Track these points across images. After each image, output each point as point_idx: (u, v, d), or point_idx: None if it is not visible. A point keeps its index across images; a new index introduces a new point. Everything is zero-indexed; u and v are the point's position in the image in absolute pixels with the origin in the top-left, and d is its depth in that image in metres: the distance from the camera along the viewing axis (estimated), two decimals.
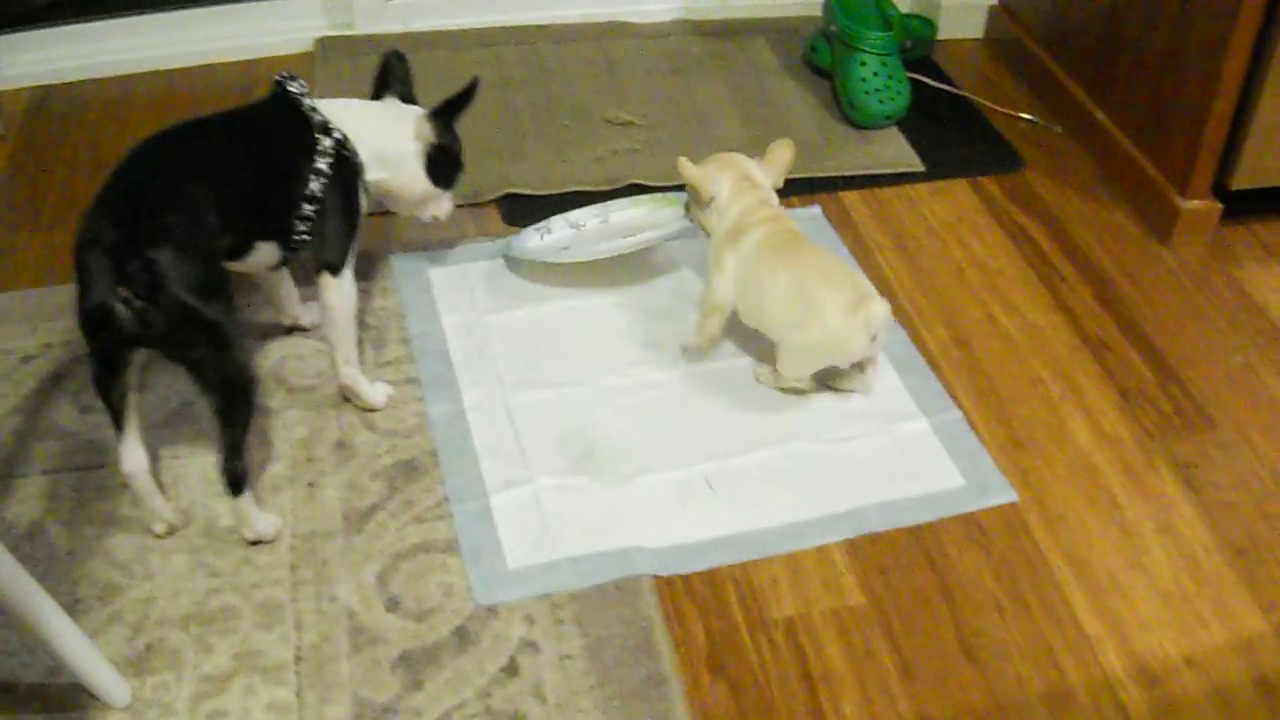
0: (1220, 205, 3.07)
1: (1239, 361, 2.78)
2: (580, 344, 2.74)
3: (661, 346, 2.75)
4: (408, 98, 2.64)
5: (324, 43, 3.75)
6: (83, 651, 1.98)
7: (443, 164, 2.61)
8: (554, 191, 3.17)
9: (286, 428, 2.52)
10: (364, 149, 2.45)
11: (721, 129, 3.43)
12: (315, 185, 2.34)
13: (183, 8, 3.71)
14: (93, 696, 2.02)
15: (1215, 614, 2.27)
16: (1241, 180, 3.01)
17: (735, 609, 2.26)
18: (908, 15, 3.76)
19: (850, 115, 3.44)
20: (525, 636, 2.16)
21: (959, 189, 3.28)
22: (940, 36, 3.87)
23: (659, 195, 3.02)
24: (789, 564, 2.33)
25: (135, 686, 2.04)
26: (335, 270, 2.42)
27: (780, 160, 2.65)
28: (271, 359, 2.67)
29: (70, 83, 3.64)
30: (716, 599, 2.27)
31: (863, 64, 3.42)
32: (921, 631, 2.23)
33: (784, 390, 2.61)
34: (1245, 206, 3.11)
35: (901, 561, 2.35)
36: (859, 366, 2.59)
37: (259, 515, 2.28)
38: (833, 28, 3.53)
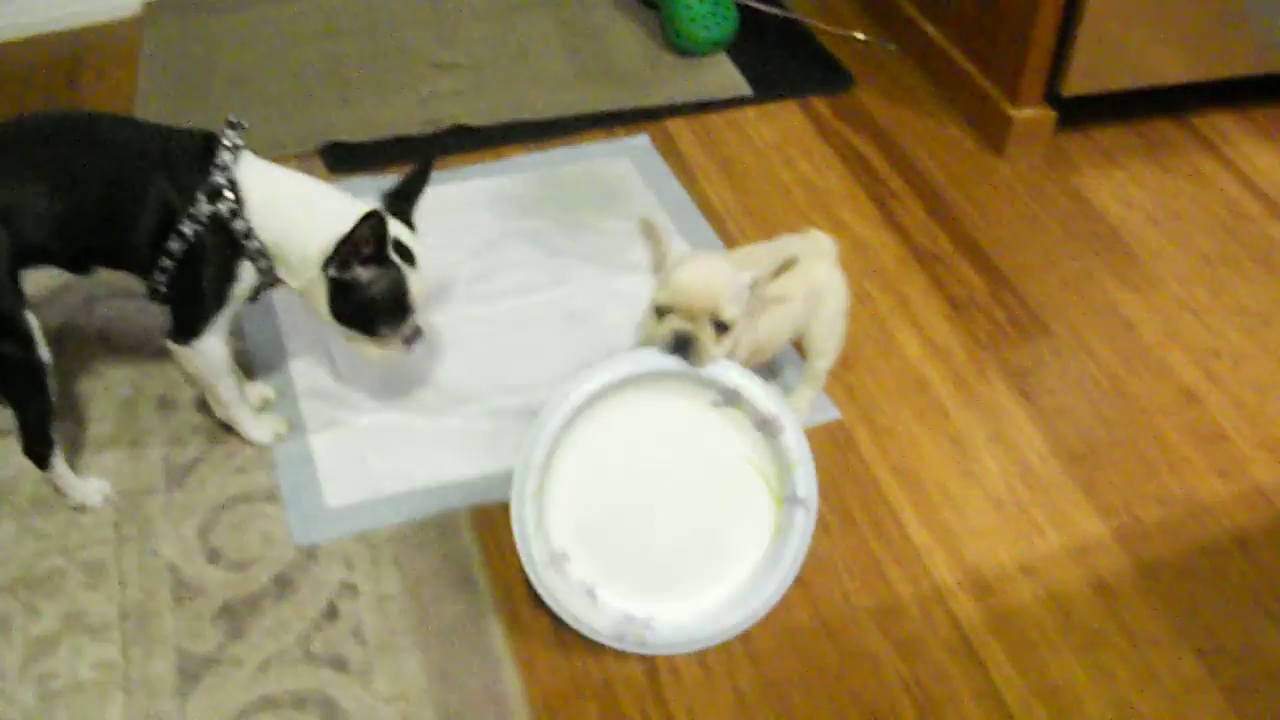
0: (1054, 113, 3.03)
1: (1076, 268, 2.74)
2: None
3: (483, 281, 2.68)
4: (398, 210, 2.19)
5: (153, 5, 3.61)
6: None
7: (347, 304, 2.13)
8: (378, 137, 3.09)
9: (111, 387, 2.46)
10: (267, 236, 2.11)
11: (547, 64, 3.35)
12: (175, 245, 2.06)
13: None
14: None
15: (1051, 521, 2.24)
16: (1073, 86, 2.96)
17: None
18: None
19: (677, 44, 3.36)
20: (344, 580, 2.14)
21: (788, 111, 3.22)
22: None
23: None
24: None
25: None
26: (177, 337, 2.16)
27: (657, 233, 2.04)
28: (97, 319, 2.59)
29: None
30: None
31: None
32: None
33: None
34: (1083, 114, 3.08)
35: None
36: None
37: (76, 483, 2.23)
38: None
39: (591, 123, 3.11)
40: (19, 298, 2.03)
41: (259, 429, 2.33)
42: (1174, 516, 2.24)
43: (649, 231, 2.01)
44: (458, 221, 2.79)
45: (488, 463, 2.31)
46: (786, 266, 1.98)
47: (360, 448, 2.34)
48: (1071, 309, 2.64)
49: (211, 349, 2.17)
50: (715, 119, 3.18)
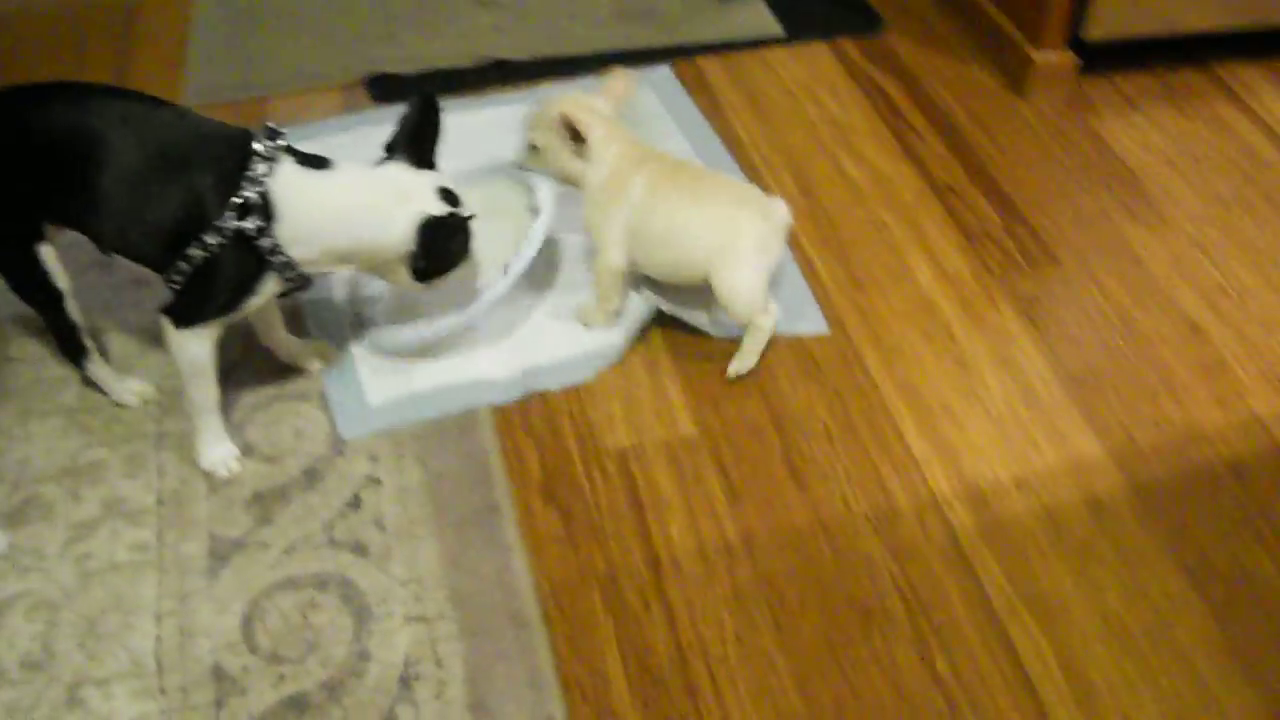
0: (1076, 57, 3.08)
1: (1090, 205, 2.80)
2: None
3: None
4: (424, 160, 2.21)
5: None
6: None
7: (432, 270, 2.20)
8: (422, 70, 3.18)
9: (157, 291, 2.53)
10: (313, 245, 2.08)
11: (586, 2, 3.43)
12: (195, 252, 2.02)
13: None
14: None
15: (1049, 439, 2.30)
16: (1094, 31, 3.01)
17: (570, 441, 2.30)
18: None
19: None
20: (369, 473, 2.25)
21: (818, 52, 3.29)
22: None
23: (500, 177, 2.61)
24: (624, 399, 2.37)
25: (12, 536, 2.16)
26: (175, 321, 2.12)
27: (618, 91, 2.43)
28: None
29: None
30: (552, 433, 2.31)
31: None
32: (750, 459, 2.26)
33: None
34: (1107, 60, 3.13)
35: (735, 393, 2.37)
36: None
37: (114, 384, 2.35)
38: None
39: (626, 59, 3.16)
40: (35, 238, 2.14)
41: (211, 451, 2.26)
42: (1171, 441, 2.30)
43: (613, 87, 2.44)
44: (490, 144, 2.88)
45: (511, 363, 2.43)
46: (573, 119, 2.32)
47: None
48: (1082, 242, 2.70)
49: (196, 345, 2.13)
50: (746, 58, 3.26)
